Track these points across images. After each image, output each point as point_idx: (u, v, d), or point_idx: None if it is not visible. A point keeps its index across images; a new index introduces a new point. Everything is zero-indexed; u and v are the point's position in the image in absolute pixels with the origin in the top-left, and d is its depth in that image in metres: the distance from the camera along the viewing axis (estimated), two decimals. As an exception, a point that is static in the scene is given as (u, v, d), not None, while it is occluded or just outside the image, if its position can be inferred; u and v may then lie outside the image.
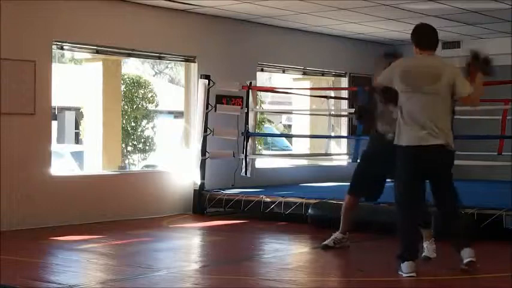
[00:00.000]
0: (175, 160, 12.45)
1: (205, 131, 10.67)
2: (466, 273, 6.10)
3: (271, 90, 19.37)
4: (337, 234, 7.45)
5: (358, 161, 7.64)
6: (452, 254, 6.58)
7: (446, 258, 6.60)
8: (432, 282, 6.12)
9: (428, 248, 6.78)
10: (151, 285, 5.95)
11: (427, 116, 5.97)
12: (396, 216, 6.24)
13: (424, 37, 6.14)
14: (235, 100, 11.21)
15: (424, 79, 5.99)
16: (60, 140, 23.62)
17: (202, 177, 10.64)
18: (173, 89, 27.53)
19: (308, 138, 13.65)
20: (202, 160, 10.65)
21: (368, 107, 7.19)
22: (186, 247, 8.25)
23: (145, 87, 16.28)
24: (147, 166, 16.18)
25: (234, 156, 10.87)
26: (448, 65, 6.14)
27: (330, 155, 13.07)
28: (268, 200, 9.74)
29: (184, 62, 11.21)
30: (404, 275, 6.02)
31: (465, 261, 6.10)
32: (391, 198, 6.46)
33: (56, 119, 22.65)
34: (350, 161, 10.75)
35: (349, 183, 7.41)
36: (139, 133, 16.21)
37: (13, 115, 8.84)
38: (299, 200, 9.41)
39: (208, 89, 10.68)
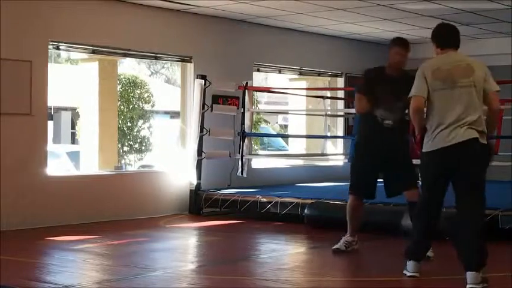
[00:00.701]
0: (172, 160, 12.44)
1: (201, 131, 10.67)
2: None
3: (268, 90, 19.38)
4: (346, 237, 7.25)
5: (352, 160, 7.52)
6: (451, 254, 6.59)
7: (447, 258, 6.61)
8: (431, 282, 6.12)
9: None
10: (147, 286, 5.95)
11: (463, 109, 5.71)
12: (415, 214, 6.17)
13: (445, 36, 6.04)
14: (232, 100, 11.21)
15: (458, 72, 5.81)
16: (56, 140, 23.59)
17: (199, 177, 10.64)
18: (169, 89, 27.52)
19: (304, 139, 13.66)
20: (198, 160, 10.65)
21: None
22: (182, 247, 8.25)
23: (141, 87, 16.28)
24: (143, 166, 16.16)
25: (230, 156, 10.88)
26: (475, 60, 6.03)
27: (326, 155, 13.07)
28: (264, 200, 9.74)
29: (180, 62, 11.21)
30: (407, 274, 6.01)
31: (468, 286, 5.66)
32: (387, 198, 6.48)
33: (52, 119, 22.63)
34: (346, 161, 10.75)
35: (345, 183, 7.40)
36: (135, 133, 16.20)
37: (9, 115, 8.82)
38: (295, 200, 9.41)
39: (205, 89, 10.68)
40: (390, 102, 6.80)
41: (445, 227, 7.48)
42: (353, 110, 9.15)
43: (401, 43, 6.96)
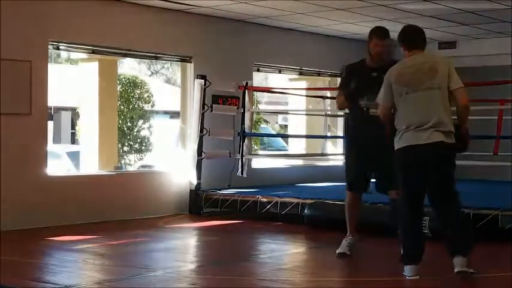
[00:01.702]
0: (172, 160, 12.43)
1: (201, 131, 10.67)
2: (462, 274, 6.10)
3: (268, 90, 19.37)
4: (348, 239, 7.11)
5: (345, 157, 7.38)
6: (445, 254, 6.59)
7: (446, 258, 6.61)
8: (430, 282, 6.12)
9: None
10: (147, 286, 5.95)
11: (429, 112, 5.88)
12: (398, 220, 6.17)
13: (413, 37, 6.17)
14: (232, 100, 11.20)
15: (422, 75, 5.95)
16: (57, 140, 23.59)
17: (199, 177, 10.64)
18: (169, 89, 27.52)
19: (304, 139, 13.66)
20: (198, 160, 10.65)
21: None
22: (182, 247, 8.25)
23: (141, 88, 16.25)
24: (143, 166, 16.14)
25: (230, 156, 10.88)
26: (439, 56, 6.13)
27: (326, 155, 13.06)
28: (264, 200, 9.74)
29: (180, 62, 11.22)
30: (408, 277, 6.00)
31: (456, 269, 5.96)
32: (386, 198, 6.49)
33: (52, 119, 22.63)
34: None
35: (345, 184, 7.29)
36: (135, 133, 16.17)
37: (9, 115, 8.83)
38: (295, 200, 9.41)
39: (205, 89, 10.68)
40: (372, 92, 6.60)
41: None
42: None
43: (378, 34, 6.93)
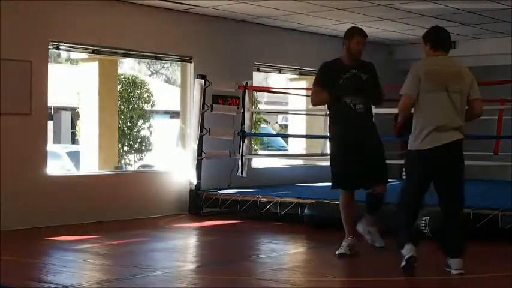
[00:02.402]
0: (172, 160, 12.44)
1: (201, 131, 10.67)
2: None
3: (268, 90, 19.38)
4: (348, 240, 7.09)
5: (332, 156, 7.26)
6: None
7: (440, 258, 6.61)
8: (430, 282, 6.12)
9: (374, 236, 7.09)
10: (147, 285, 5.95)
11: (451, 113, 6.04)
12: (397, 211, 6.30)
13: (440, 38, 6.32)
14: (232, 100, 11.20)
15: (449, 78, 6.09)
16: (56, 140, 23.60)
17: (199, 177, 10.64)
18: (169, 89, 27.54)
19: (304, 138, 13.66)
20: (198, 160, 10.65)
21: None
22: (182, 247, 8.25)
23: (141, 87, 16.26)
24: (143, 166, 16.15)
25: (230, 156, 10.88)
26: (464, 67, 6.27)
27: (326, 155, 13.04)
28: (264, 200, 9.74)
29: (180, 62, 11.22)
30: (406, 256, 6.01)
31: (453, 272, 6.08)
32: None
33: (52, 119, 22.64)
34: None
35: None
36: (135, 133, 16.18)
37: (9, 115, 8.82)
38: (295, 200, 9.41)
39: (205, 89, 10.68)
40: (354, 90, 6.79)
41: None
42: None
43: (360, 32, 7.05)
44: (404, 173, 6.41)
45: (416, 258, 6.02)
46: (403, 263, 6.03)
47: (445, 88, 6.03)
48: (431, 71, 6.10)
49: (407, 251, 6.04)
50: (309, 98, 12.98)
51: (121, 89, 15.31)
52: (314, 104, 7.45)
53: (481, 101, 6.21)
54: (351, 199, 7.09)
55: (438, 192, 6.20)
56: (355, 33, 7.04)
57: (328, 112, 7.34)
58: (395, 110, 6.93)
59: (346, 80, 6.88)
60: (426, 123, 6.03)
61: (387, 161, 7.11)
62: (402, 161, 6.55)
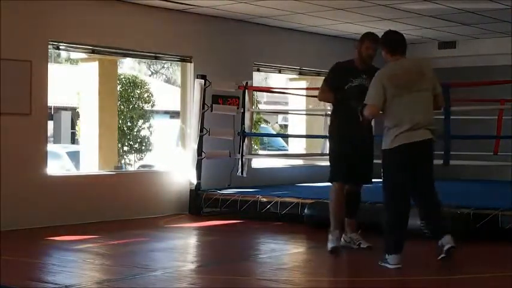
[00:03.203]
0: (172, 160, 12.44)
1: (201, 131, 10.67)
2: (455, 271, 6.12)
3: (268, 90, 19.39)
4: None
5: (332, 151, 7.55)
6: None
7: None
8: (429, 282, 6.12)
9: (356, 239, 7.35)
10: (147, 285, 5.95)
11: (420, 113, 6.36)
12: (384, 212, 6.54)
13: (397, 43, 6.55)
14: (232, 100, 11.21)
15: (412, 79, 6.39)
16: (56, 140, 23.62)
17: (199, 177, 10.64)
18: (169, 89, 27.55)
19: (304, 138, 13.66)
20: (198, 160, 10.65)
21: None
22: (182, 247, 8.25)
23: (141, 87, 16.27)
24: (143, 166, 16.16)
25: (230, 156, 10.88)
26: (421, 59, 6.71)
27: (326, 155, 13.02)
28: (264, 200, 9.74)
29: (180, 62, 11.22)
30: (390, 266, 6.28)
31: (445, 247, 6.32)
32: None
33: (52, 119, 22.65)
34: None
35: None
36: (135, 133, 16.19)
37: (9, 115, 8.82)
38: (295, 200, 9.41)
39: (205, 89, 10.68)
40: (359, 97, 6.90)
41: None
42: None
43: (373, 38, 7.22)
44: (382, 174, 6.60)
45: (401, 267, 6.28)
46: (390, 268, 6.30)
47: (410, 90, 6.34)
48: (393, 77, 6.39)
49: (393, 261, 6.31)
50: (309, 98, 13.17)
51: (121, 89, 15.31)
52: (320, 100, 7.97)
53: (442, 94, 6.61)
54: (343, 193, 7.32)
55: (412, 188, 6.43)
56: (368, 38, 7.27)
57: (331, 109, 7.70)
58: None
59: (354, 88, 7.16)
60: (398, 125, 6.32)
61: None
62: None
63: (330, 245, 7.19)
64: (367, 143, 7.39)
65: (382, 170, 6.56)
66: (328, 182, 7.49)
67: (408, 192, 6.43)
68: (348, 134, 7.24)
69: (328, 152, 7.71)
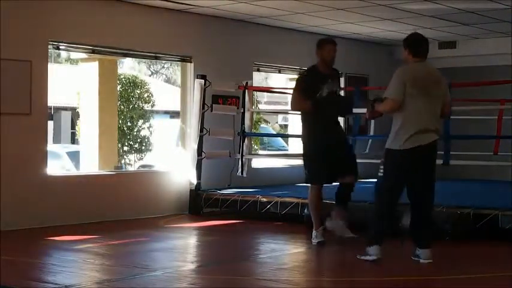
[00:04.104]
0: (172, 160, 12.43)
1: (201, 131, 10.67)
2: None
3: (268, 90, 19.39)
4: (320, 230, 7.76)
5: (308, 155, 7.89)
6: (445, 254, 6.61)
7: (447, 258, 6.62)
8: (429, 282, 6.12)
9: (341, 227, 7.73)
10: (147, 285, 5.95)
11: (432, 117, 6.54)
12: (375, 207, 6.76)
13: (421, 46, 6.67)
14: (232, 100, 11.21)
15: (431, 83, 6.56)
16: (56, 140, 23.61)
17: (199, 177, 10.64)
18: (169, 89, 27.54)
19: (304, 138, 13.63)
20: (198, 160, 10.65)
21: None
22: (182, 247, 8.25)
23: (141, 87, 16.27)
24: (143, 166, 16.16)
25: (230, 156, 10.87)
26: (439, 72, 6.75)
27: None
28: (264, 200, 9.74)
29: (180, 62, 11.22)
30: (370, 258, 6.55)
31: (422, 261, 6.53)
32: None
33: (52, 119, 22.64)
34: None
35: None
36: (135, 133, 16.19)
37: (9, 115, 8.82)
38: (295, 200, 9.40)
39: (205, 89, 10.68)
40: (333, 104, 7.65)
41: (445, 227, 7.58)
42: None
43: (332, 41, 7.78)
44: (381, 171, 6.70)
45: (380, 259, 6.56)
46: (368, 259, 6.58)
47: (427, 93, 6.49)
48: (416, 78, 6.51)
49: (374, 252, 6.58)
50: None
51: (121, 89, 15.31)
52: (294, 109, 8.16)
53: (450, 103, 6.85)
54: (321, 193, 7.78)
55: (412, 187, 6.61)
56: (326, 42, 7.76)
57: (302, 117, 7.95)
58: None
59: (326, 95, 7.61)
60: (409, 126, 6.46)
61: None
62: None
63: (316, 240, 7.70)
64: (343, 142, 7.90)
65: (381, 167, 6.66)
66: (305, 183, 7.98)
67: (401, 192, 6.62)
68: (325, 139, 7.64)
69: (303, 158, 7.97)
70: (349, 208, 7.88)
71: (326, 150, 7.62)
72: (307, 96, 7.60)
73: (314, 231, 7.78)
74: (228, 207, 10.18)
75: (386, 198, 6.63)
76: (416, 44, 6.66)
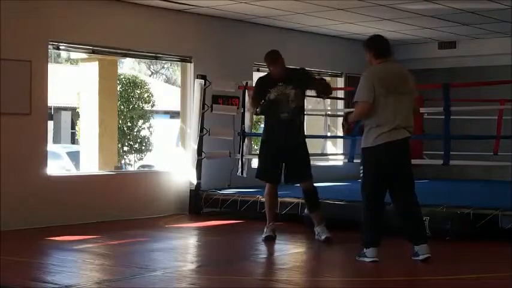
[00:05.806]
0: (172, 160, 12.43)
1: (201, 131, 10.67)
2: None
3: (268, 90, 19.33)
4: (270, 225, 8.16)
5: (260, 154, 8.40)
6: (445, 254, 6.60)
7: (447, 258, 6.62)
8: (429, 282, 6.13)
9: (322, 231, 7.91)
10: (147, 286, 5.95)
11: (403, 114, 6.61)
12: (363, 208, 6.77)
13: (382, 46, 6.81)
14: (232, 100, 11.21)
15: (398, 81, 6.68)
16: (56, 140, 23.63)
17: (199, 177, 10.64)
18: (169, 89, 27.55)
19: (304, 138, 13.63)
20: (198, 160, 10.65)
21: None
22: (182, 247, 8.25)
23: (141, 87, 16.29)
24: (143, 166, 16.19)
25: (230, 156, 10.87)
26: (405, 69, 6.91)
27: (326, 155, 13.06)
28: (264, 200, 9.71)
29: (180, 62, 11.22)
30: (367, 260, 6.55)
31: (421, 257, 6.53)
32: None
33: (52, 119, 22.66)
34: (346, 161, 10.76)
35: (345, 183, 7.66)
36: (135, 133, 16.22)
37: (9, 115, 8.82)
38: (295, 200, 9.40)
39: (205, 89, 10.68)
40: (281, 99, 7.91)
41: (445, 227, 7.59)
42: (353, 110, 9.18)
43: (271, 60, 8.09)
44: (361, 171, 6.78)
45: (378, 261, 6.56)
46: (365, 261, 6.60)
47: (396, 91, 6.59)
48: (382, 78, 6.62)
49: (371, 254, 6.60)
50: (309, 98, 13.13)
51: (121, 89, 15.33)
52: (248, 110, 9.15)
53: (417, 98, 6.92)
54: (273, 190, 8.18)
55: (393, 187, 6.66)
56: (267, 62, 8.15)
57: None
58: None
59: (273, 95, 7.94)
60: (381, 125, 6.56)
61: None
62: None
63: (263, 235, 8.09)
64: (295, 144, 8.03)
65: (361, 168, 6.76)
66: (256, 177, 8.41)
67: (386, 189, 6.68)
68: (274, 139, 8.01)
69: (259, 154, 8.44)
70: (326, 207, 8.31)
71: (274, 150, 8.02)
72: (258, 101, 8.05)
73: (265, 227, 8.18)
74: (228, 207, 10.18)
75: (371, 198, 6.67)
76: (376, 45, 6.79)
